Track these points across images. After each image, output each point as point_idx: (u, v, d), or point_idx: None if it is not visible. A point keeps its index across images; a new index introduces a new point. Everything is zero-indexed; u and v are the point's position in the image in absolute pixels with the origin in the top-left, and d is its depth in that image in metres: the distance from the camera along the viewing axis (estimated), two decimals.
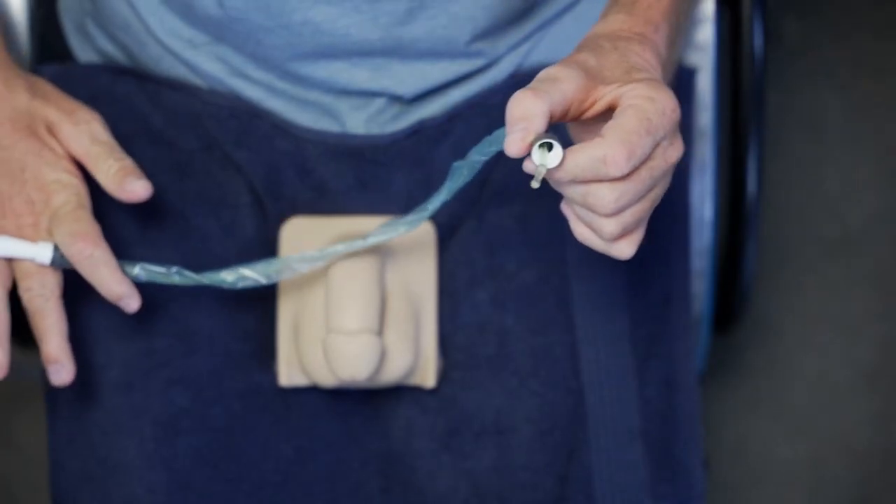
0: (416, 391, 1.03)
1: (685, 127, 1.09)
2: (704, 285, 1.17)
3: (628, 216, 0.81)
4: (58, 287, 0.94)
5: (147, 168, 1.03)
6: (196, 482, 1.01)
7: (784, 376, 1.69)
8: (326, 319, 0.98)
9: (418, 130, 1.02)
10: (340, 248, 0.96)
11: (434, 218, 1.03)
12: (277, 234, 1.03)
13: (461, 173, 0.87)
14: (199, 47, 1.01)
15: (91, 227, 0.93)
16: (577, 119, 0.82)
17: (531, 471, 1.02)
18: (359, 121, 1.02)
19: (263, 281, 0.96)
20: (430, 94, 1.02)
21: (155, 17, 1.01)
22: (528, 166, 0.79)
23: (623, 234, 0.82)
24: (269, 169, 1.03)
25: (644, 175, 0.80)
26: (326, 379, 1.00)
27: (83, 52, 1.09)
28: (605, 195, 0.79)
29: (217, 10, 0.97)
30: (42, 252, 0.93)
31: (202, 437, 1.01)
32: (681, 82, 1.10)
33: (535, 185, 0.78)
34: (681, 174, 1.09)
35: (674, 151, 0.81)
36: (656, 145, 0.80)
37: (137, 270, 0.95)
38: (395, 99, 1.01)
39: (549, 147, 0.78)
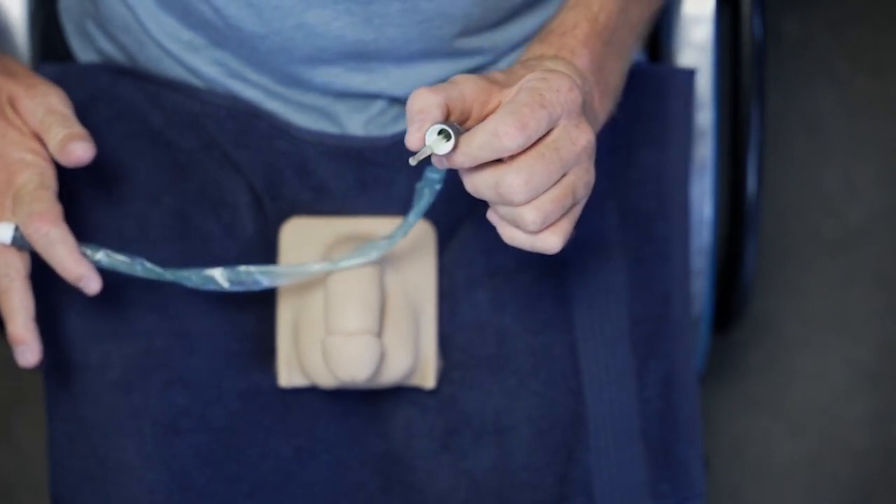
0: (416, 391, 1.03)
1: (685, 127, 1.09)
2: (704, 284, 1.17)
3: (546, 203, 0.81)
4: (24, 268, 0.93)
5: (147, 168, 1.03)
6: (196, 482, 1.01)
7: (784, 376, 1.69)
8: (326, 320, 0.98)
9: None
10: (315, 267, 0.96)
11: (434, 219, 1.03)
12: (277, 235, 1.03)
13: (423, 193, 0.89)
14: (197, 50, 1.01)
15: (50, 207, 0.92)
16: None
17: (531, 471, 1.02)
18: (358, 123, 1.02)
19: (226, 286, 0.95)
20: None
21: (153, 20, 1.01)
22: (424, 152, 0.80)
23: (545, 223, 0.81)
24: (269, 169, 1.03)
25: (550, 156, 0.80)
26: (326, 380, 1.00)
27: (83, 53, 1.09)
28: (513, 179, 0.79)
29: (213, 16, 0.97)
30: (2, 232, 0.92)
31: (202, 437, 1.02)
32: (680, 82, 1.10)
33: (412, 161, 0.80)
34: (681, 174, 1.09)
35: (581, 134, 0.81)
36: (555, 124, 0.80)
37: (100, 256, 0.94)
38: (394, 101, 1.01)
39: (448, 137, 0.79)
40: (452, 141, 0.79)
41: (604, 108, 0.92)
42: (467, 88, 0.81)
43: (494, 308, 1.03)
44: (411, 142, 0.79)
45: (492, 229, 1.03)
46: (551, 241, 0.83)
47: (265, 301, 1.03)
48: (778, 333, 1.70)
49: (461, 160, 0.80)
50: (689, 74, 1.11)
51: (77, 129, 0.93)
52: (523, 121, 0.78)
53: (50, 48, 1.13)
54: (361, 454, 1.03)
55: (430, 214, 1.03)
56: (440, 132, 0.79)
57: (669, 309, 1.06)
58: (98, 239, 1.02)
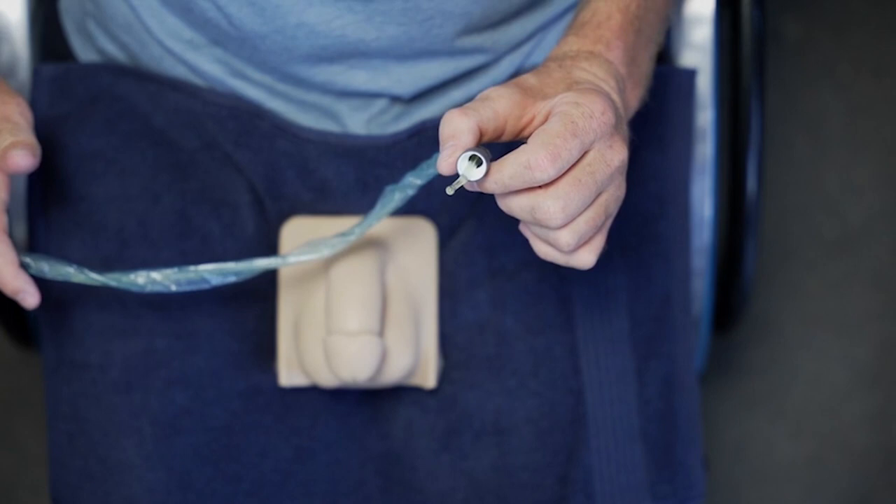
0: (416, 391, 1.03)
1: (685, 127, 1.09)
2: (704, 285, 1.17)
3: (581, 225, 0.81)
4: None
5: (148, 168, 1.03)
6: (196, 482, 1.01)
7: (784, 376, 1.69)
8: (327, 320, 0.98)
9: (419, 131, 1.02)
10: (260, 263, 0.95)
11: (434, 218, 1.03)
12: (278, 234, 1.03)
13: (392, 197, 0.89)
14: (199, 49, 1.01)
15: None
16: (519, 136, 0.83)
17: (531, 471, 1.02)
18: (359, 122, 1.02)
19: (173, 288, 0.94)
20: (430, 94, 1.02)
21: (155, 19, 1.01)
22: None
23: (580, 243, 0.82)
24: (270, 169, 1.03)
25: (586, 180, 0.80)
26: (327, 379, 1.00)
27: (84, 52, 1.09)
28: (551, 206, 0.80)
29: (215, 14, 0.97)
30: None
31: (202, 436, 1.02)
32: (681, 82, 1.10)
33: (449, 191, 0.80)
34: (681, 174, 1.09)
35: (614, 154, 0.82)
36: (588, 148, 0.80)
37: (43, 265, 0.93)
38: (395, 99, 1.01)
39: (479, 163, 0.79)
40: (484, 167, 0.80)
41: (636, 97, 0.92)
42: (500, 105, 0.81)
43: (495, 308, 1.03)
44: (443, 167, 0.80)
45: (493, 229, 1.03)
46: (586, 259, 0.84)
47: (266, 300, 1.03)
48: (778, 333, 1.70)
49: (492, 187, 0.80)
50: (690, 75, 1.11)
51: (24, 137, 0.92)
52: (555, 152, 0.79)
53: (50, 48, 1.13)
54: (361, 454, 1.03)
55: (432, 213, 1.03)
56: (471, 157, 0.80)
57: (669, 309, 1.06)
58: (99, 238, 1.02)
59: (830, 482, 1.66)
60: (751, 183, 1.18)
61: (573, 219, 0.81)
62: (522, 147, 0.80)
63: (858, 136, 1.76)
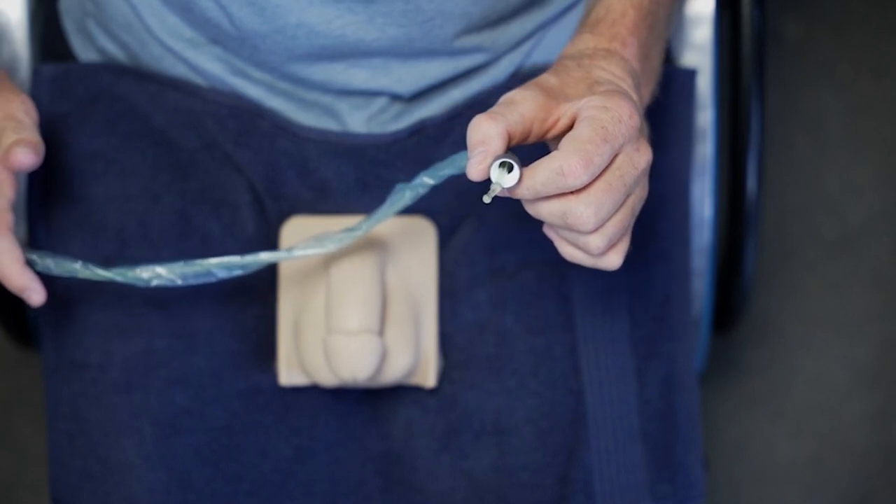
0: (416, 391, 1.03)
1: (685, 127, 1.09)
2: (704, 285, 1.17)
3: (611, 228, 0.81)
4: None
5: (148, 168, 1.03)
6: (196, 481, 1.01)
7: (784, 376, 1.69)
8: (327, 320, 0.98)
9: (419, 130, 1.02)
10: (263, 256, 0.94)
11: (434, 217, 1.03)
12: (278, 234, 1.03)
13: (403, 195, 0.89)
14: (199, 47, 1.01)
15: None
16: (543, 138, 0.83)
17: (531, 471, 1.02)
18: (360, 120, 1.02)
19: (179, 282, 0.94)
20: (430, 93, 1.02)
21: (156, 18, 1.01)
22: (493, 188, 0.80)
23: (609, 246, 0.82)
24: (270, 168, 1.03)
25: (616, 184, 0.80)
26: (327, 379, 1.00)
27: (84, 52, 1.09)
28: (583, 211, 0.80)
29: (216, 13, 0.97)
30: None
31: (202, 436, 1.02)
32: (681, 82, 1.10)
33: (486, 199, 0.80)
34: (681, 174, 1.09)
35: (641, 157, 0.82)
36: (618, 152, 0.81)
37: (49, 262, 0.93)
38: (396, 98, 1.01)
39: (510, 168, 0.79)
40: (517, 173, 0.79)
41: (648, 92, 0.93)
42: (526, 108, 0.81)
43: (495, 308, 1.03)
44: (473, 174, 0.80)
45: (493, 228, 1.03)
46: (613, 261, 0.84)
47: (266, 300, 1.03)
48: (778, 333, 1.70)
49: (524, 194, 0.80)
50: (690, 75, 1.11)
51: (28, 135, 0.92)
52: (588, 158, 0.79)
53: (50, 48, 1.13)
54: (361, 454, 1.03)
55: (432, 212, 1.03)
56: (501, 164, 0.79)
57: (670, 309, 1.06)
58: (99, 238, 1.02)
59: (830, 482, 1.66)
60: (751, 183, 1.18)
61: (604, 223, 0.81)
62: (554, 153, 0.79)
63: (858, 136, 1.76)
